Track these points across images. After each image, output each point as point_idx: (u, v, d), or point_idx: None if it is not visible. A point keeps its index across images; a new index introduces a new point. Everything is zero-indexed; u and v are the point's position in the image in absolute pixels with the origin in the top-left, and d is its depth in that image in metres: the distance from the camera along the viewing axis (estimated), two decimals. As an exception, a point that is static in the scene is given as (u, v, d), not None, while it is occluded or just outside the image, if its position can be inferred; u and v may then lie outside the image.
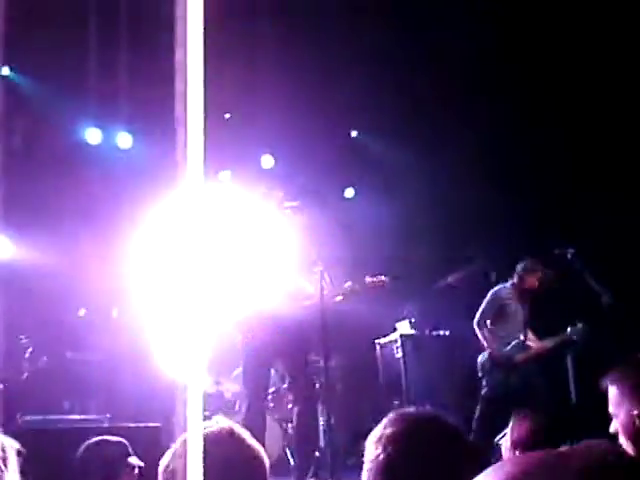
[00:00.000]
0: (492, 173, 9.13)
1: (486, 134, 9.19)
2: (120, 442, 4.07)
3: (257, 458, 2.20)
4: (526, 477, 0.71)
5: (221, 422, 2.23)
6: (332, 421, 6.42)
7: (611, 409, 2.87)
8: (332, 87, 9.39)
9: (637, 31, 8.14)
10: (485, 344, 7.81)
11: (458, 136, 9.39)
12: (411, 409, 2.05)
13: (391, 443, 1.87)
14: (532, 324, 7.99)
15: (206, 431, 2.18)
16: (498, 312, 7.87)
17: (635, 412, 2.77)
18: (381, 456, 1.86)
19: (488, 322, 7.85)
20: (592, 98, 8.69)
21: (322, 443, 7.08)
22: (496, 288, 7.97)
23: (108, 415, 6.60)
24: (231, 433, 2.20)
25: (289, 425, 7.73)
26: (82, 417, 6.73)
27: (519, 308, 7.91)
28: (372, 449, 1.90)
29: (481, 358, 7.91)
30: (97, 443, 4.01)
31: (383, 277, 6.64)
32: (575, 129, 8.89)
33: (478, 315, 7.88)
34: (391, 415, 1.97)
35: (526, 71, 8.80)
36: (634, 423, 2.76)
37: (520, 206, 9.04)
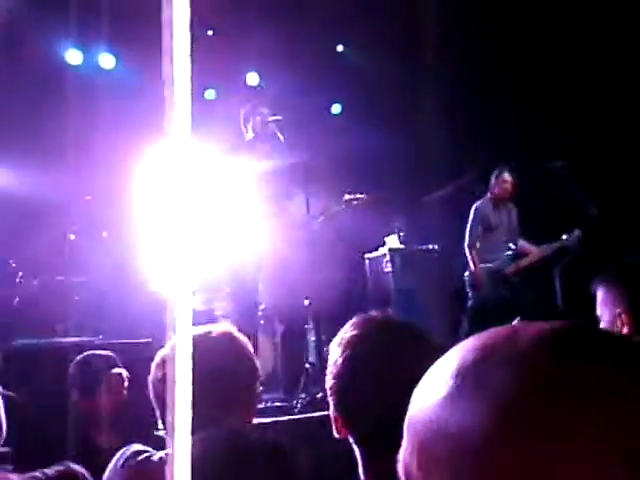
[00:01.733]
0: (481, 87, 9.06)
1: (479, 45, 9.08)
2: (107, 355, 4.12)
3: (252, 361, 2.27)
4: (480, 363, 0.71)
5: (223, 325, 2.29)
6: (322, 336, 6.51)
7: (598, 311, 2.92)
8: (317, 1, 9.24)
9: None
10: (471, 266, 7.89)
11: (449, 50, 9.28)
12: (374, 313, 2.04)
13: (351, 346, 1.87)
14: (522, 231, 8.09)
15: (207, 331, 2.24)
16: (482, 227, 7.95)
17: (618, 310, 2.83)
18: (339, 359, 1.87)
19: (478, 243, 7.92)
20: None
21: (312, 358, 7.18)
22: (476, 204, 8.05)
23: (101, 336, 6.67)
24: (230, 336, 2.26)
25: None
26: (76, 339, 6.79)
27: (503, 218, 7.99)
28: (333, 352, 1.91)
29: (467, 274, 8.00)
30: (84, 357, 4.07)
31: (361, 194, 6.67)
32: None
33: (467, 237, 7.96)
34: (354, 319, 1.97)
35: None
36: (618, 322, 2.82)
37: (512, 117, 9.00)
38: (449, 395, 0.70)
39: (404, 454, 0.74)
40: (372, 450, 1.83)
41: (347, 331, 1.93)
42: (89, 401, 3.85)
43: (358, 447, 1.87)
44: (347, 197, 6.69)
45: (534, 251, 7.97)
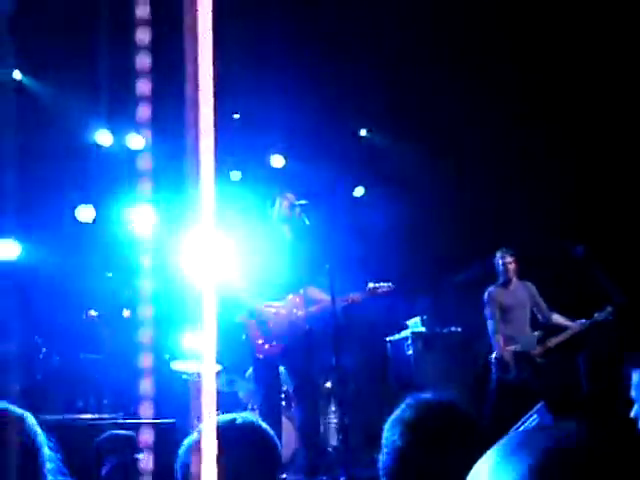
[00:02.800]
0: (502, 172, 9.13)
1: (495, 133, 9.18)
2: (129, 436, 4.09)
3: (276, 451, 2.26)
4: None
5: (245, 415, 2.29)
6: (345, 419, 6.44)
7: (633, 393, 2.89)
8: (341, 85, 9.40)
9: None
10: (497, 350, 7.82)
11: (468, 135, 9.37)
12: (428, 395, 2.05)
13: (408, 428, 1.88)
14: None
15: (231, 419, 2.24)
16: (499, 310, 7.91)
17: None
18: (397, 441, 1.87)
19: (501, 326, 7.87)
20: (596, 97, 8.69)
21: (335, 442, 7.09)
22: (487, 290, 8.02)
23: (121, 414, 6.64)
24: (255, 425, 2.26)
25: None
26: (96, 416, 6.76)
27: (518, 296, 7.95)
28: (389, 434, 1.92)
29: (493, 357, 7.93)
30: (108, 437, 4.04)
31: (386, 284, 6.70)
32: (584, 127, 8.88)
33: (489, 324, 7.91)
34: (409, 400, 1.98)
35: (536, 68, 8.79)
36: None
37: (532, 204, 9.03)
38: None
39: None
40: None
41: (403, 411, 1.95)
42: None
43: None
44: (371, 285, 6.72)
45: (569, 325, 7.89)
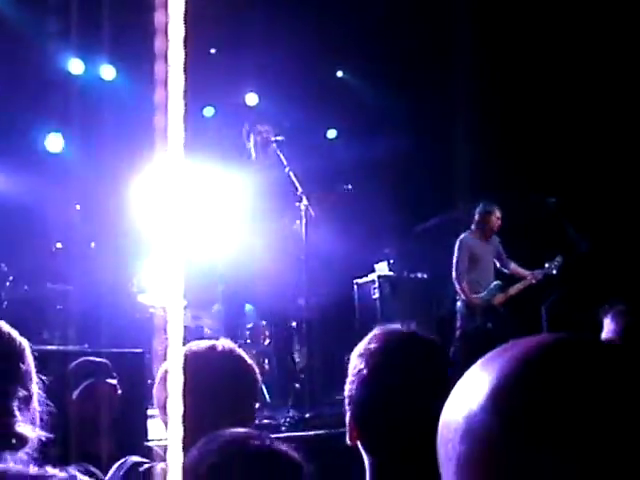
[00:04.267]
0: (477, 121, 9.12)
1: (471, 85, 9.16)
2: (104, 362, 4.09)
3: (255, 374, 2.30)
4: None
5: (225, 341, 2.32)
6: (310, 358, 6.52)
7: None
8: (320, 25, 9.30)
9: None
10: (463, 296, 7.93)
11: (444, 83, 9.34)
12: (394, 326, 2.08)
13: (374, 357, 1.92)
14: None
15: (212, 345, 2.27)
16: (469, 258, 8.01)
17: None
18: (364, 370, 1.91)
19: (466, 275, 7.98)
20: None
21: (299, 380, 7.18)
22: (461, 237, 8.12)
23: (86, 345, 6.65)
24: (234, 351, 2.29)
25: (266, 360, 7.83)
26: (62, 348, 6.78)
27: (488, 249, 8.06)
28: (355, 363, 1.95)
29: (459, 304, 8.03)
30: (81, 362, 4.04)
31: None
32: (553, 78, 8.91)
33: (454, 270, 8.01)
34: (375, 331, 2.01)
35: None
36: None
37: (504, 155, 9.07)
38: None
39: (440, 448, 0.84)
40: (383, 461, 1.87)
41: (369, 342, 1.97)
42: (83, 407, 3.83)
43: (369, 457, 1.91)
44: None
45: (525, 274, 8.05)
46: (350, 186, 6.88)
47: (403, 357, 1.94)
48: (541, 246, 8.22)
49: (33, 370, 2.02)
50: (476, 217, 8.10)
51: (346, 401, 1.97)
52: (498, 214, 8.05)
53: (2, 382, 1.88)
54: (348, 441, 1.94)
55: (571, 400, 0.75)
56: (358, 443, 1.93)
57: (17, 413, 1.83)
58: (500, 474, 0.76)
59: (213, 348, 2.29)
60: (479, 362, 0.85)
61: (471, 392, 0.82)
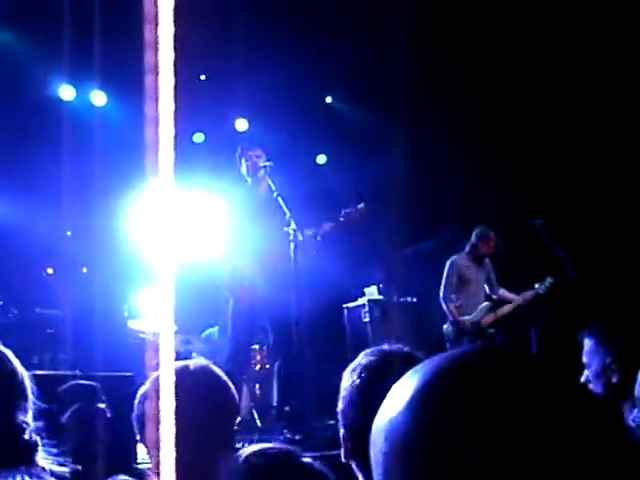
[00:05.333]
0: (464, 145, 9.19)
1: (457, 106, 9.24)
2: (92, 386, 4.09)
3: (230, 393, 2.30)
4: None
5: (199, 360, 2.33)
6: (301, 382, 6.52)
7: (585, 359, 2.99)
8: (309, 52, 9.37)
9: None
10: (451, 317, 7.95)
11: (434, 108, 9.42)
12: (385, 346, 2.12)
13: (366, 371, 1.96)
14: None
15: (184, 365, 2.28)
16: (458, 280, 8.03)
17: (608, 360, 2.91)
18: (356, 382, 1.94)
19: (453, 296, 8.00)
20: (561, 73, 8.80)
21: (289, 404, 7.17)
22: (452, 258, 8.14)
23: (77, 371, 6.64)
24: (207, 369, 2.30)
25: (257, 386, 7.82)
26: (52, 372, 6.77)
27: (479, 273, 8.09)
28: (348, 377, 1.98)
29: (446, 327, 8.05)
30: (70, 386, 4.03)
31: (359, 206, 6.73)
32: (541, 102, 8.99)
33: (442, 290, 8.03)
34: (367, 350, 2.05)
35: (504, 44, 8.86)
36: (607, 371, 2.91)
37: (493, 176, 9.12)
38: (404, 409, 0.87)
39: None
40: None
41: (362, 358, 2.03)
42: (72, 430, 3.82)
43: (362, 473, 1.93)
44: (346, 211, 6.74)
45: (513, 299, 8.06)
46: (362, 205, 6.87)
47: (396, 372, 1.95)
48: (530, 268, 8.26)
49: (29, 390, 2.05)
50: (472, 240, 8.12)
51: (339, 417, 2.00)
52: (494, 240, 8.07)
53: (11, 397, 1.92)
54: (343, 458, 1.97)
55: (480, 403, 0.81)
56: (352, 462, 1.95)
57: (25, 426, 1.88)
58: (418, 472, 0.81)
59: (186, 367, 2.29)
60: (407, 373, 0.93)
61: (394, 399, 0.89)
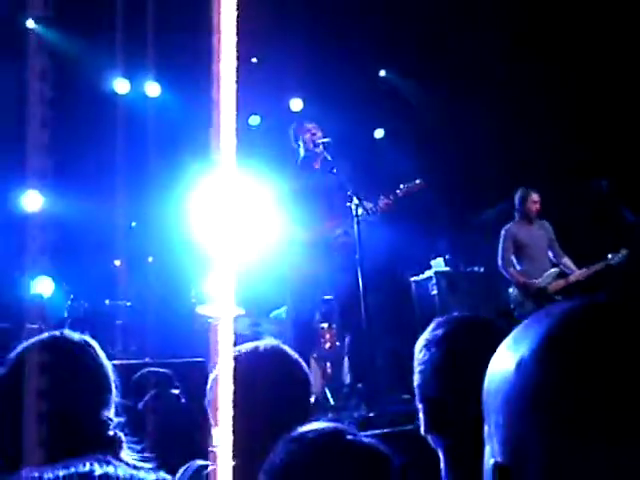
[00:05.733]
0: (522, 110, 9.02)
1: (511, 72, 9.06)
2: (165, 372, 4.12)
3: (302, 371, 2.29)
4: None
5: (269, 340, 2.31)
6: (372, 358, 6.50)
7: None
8: (360, 26, 9.29)
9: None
10: (514, 280, 7.85)
11: (486, 75, 9.26)
12: (454, 314, 2.07)
13: (445, 341, 1.91)
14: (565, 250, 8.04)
15: (254, 347, 2.27)
16: (515, 247, 7.93)
17: None
18: (435, 353, 1.90)
19: (513, 260, 7.90)
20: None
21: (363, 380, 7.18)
22: (505, 227, 8.02)
23: (147, 359, 6.75)
24: (277, 348, 2.29)
25: (328, 364, 7.83)
26: (125, 361, 6.88)
27: (533, 237, 7.94)
28: (423, 350, 1.93)
29: (511, 290, 7.95)
30: (145, 373, 4.07)
31: (416, 182, 6.65)
32: (599, 61, 8.76)
33: (499, 259, 7.94)
34: (436, 320, 2.00)
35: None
36: None
37: (554, 144, 8.94)
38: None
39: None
40: (460, 451, 1.85)
41: (434, 330, 1.96)
42: (148, 417, 3.85)
43: (442, 445, 1.89)
44: (402, 186, 6.66)
45: (572, 274, 7.87)
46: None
47: (478, 339, 1.90)
48: (597, 234, 8.07)
49: (113, 384, 2.08)
50: (516, 204, 8.04)
51: (416, 391, 1.96)
52: (535, 198, 7.94)
53: (98, 391, 1.97)
54: (423, 432, 1.93)
55: (609, 347, 0.85)
56: (431, 436, 1.92)
57: (109, 421, 1.91)
58: (551, 420, 0.84)
59: (256, 349, 2.27)
60: (525, 321, 0.95)
61: (520, 345, 0.92)
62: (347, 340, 6.77)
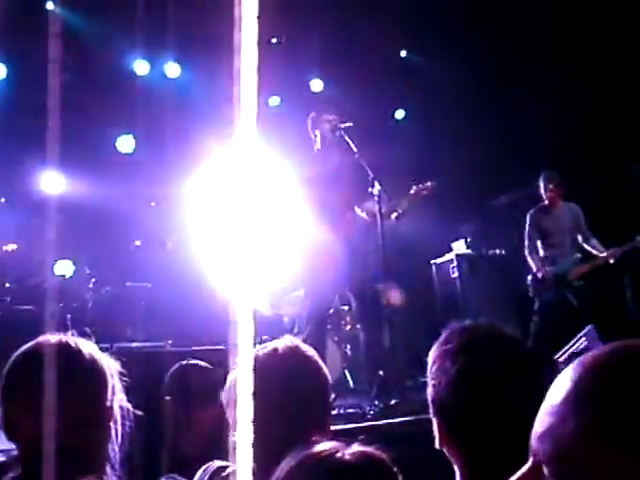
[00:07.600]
0: (555, 88, 8.88)
1: (537, 54, 8.94)
2: (213, 370, 4.05)
3: (321, 373, 2.25)
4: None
5: (287, 340, 2.27)
6: (393, 342, 6.47)
7: None
8: (381, 7, 9.22)
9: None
10: (534, 269, 7.78)
11: (510, 55, 9.16)
12: (466, 323, 2.02)
13: (456, 357, 1.85)
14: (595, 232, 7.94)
15: (273, 349, 2.23)
16: (539, 232, 7.86)
17: None
18: (451, 369, 1.85)
19: (538, 245, 7.83)
20: None
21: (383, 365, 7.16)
22: (530, 212, 7.95)
23: (169, 341, 6.75)
24: (296, 349, 2.25)
25: (347, 347, 7.82)
26: (147, 344, 6.89)
27: (557, 222, 7.86)
28: (438, 363, 1.89)
29: (530, 278, 7.88)
30: (185, 366, 4.02)
31: (427, 184, 6.60)
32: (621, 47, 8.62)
33: (526, 243, 7.88)
34: (449, 330, 1.95)
35: None
36: None
37: (589, 128, 8.81)
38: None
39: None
40: (476, 464, 1.81)
41: (446, 341, 1.91)
42: (190, 412, 3.80)
43: (458, 459, 1.85)
44: (414, 188, 6.61)
45: (601, 254, 7.76)
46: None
47: (487, 354, 1.86)
48: (629, 217, 7.96)
49: (117, 383, 2.05)
50: (541, 188, 7.96)
51: (431, 405, 1.90)
52: (557, 181, 7.86)
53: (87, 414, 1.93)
54: (437, 446, 1.89)
55: None
56: (446, 450, 1.88)
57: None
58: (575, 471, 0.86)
59: (274, 351, 2.23)
60: (571, 365, 0.96)
61: (553, 394, 0.93)
62: (367, 325, 6.71)
